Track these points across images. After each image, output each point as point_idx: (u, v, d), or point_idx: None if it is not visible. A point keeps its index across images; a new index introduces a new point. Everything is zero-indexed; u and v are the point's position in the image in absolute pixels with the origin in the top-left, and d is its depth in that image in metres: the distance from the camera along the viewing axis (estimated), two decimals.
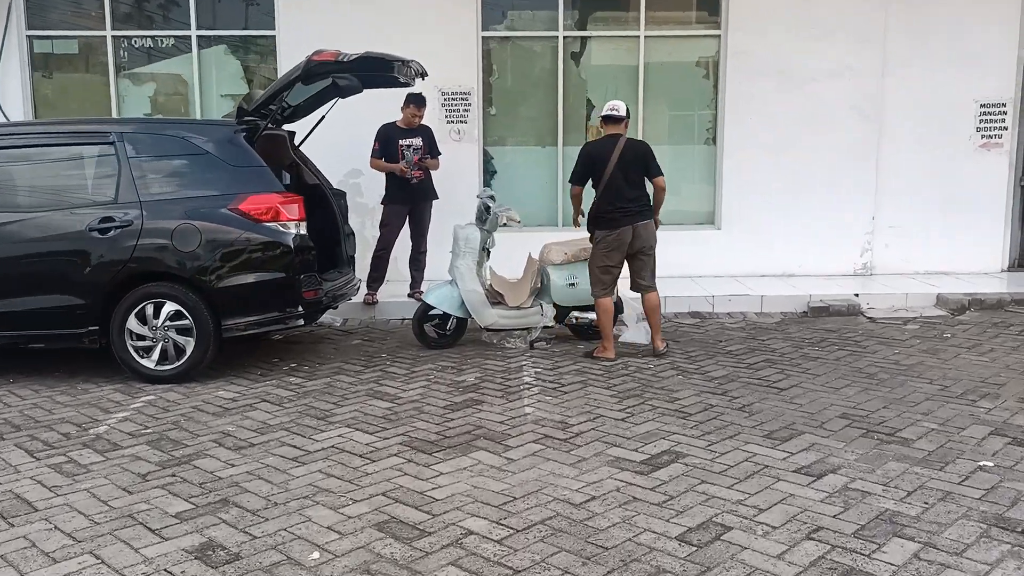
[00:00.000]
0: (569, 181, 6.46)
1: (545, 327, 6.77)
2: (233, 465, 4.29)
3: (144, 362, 5.84)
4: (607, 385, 5.61)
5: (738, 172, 9.05)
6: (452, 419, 4.94)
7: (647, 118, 9.07)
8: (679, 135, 9.30)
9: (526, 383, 5.70)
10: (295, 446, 4.55)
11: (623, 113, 6.28)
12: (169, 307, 5.79)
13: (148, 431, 4.84)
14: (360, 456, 4.38)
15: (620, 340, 6.81)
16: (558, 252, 6.77)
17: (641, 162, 6.20)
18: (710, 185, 9.29)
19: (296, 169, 7.01)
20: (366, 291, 8.04)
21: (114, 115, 8.86)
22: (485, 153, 9.16)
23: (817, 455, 4.30)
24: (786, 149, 8.99)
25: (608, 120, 6.30)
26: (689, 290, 8.38)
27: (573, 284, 6.73)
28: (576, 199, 6.42)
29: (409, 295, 8.09)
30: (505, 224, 6.58)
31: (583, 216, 6.41)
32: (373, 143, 7.86)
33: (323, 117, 7.20)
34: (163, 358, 5.84)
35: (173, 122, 6.35)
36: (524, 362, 6.28)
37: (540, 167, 9.24)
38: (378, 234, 8.02)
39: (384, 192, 8.00)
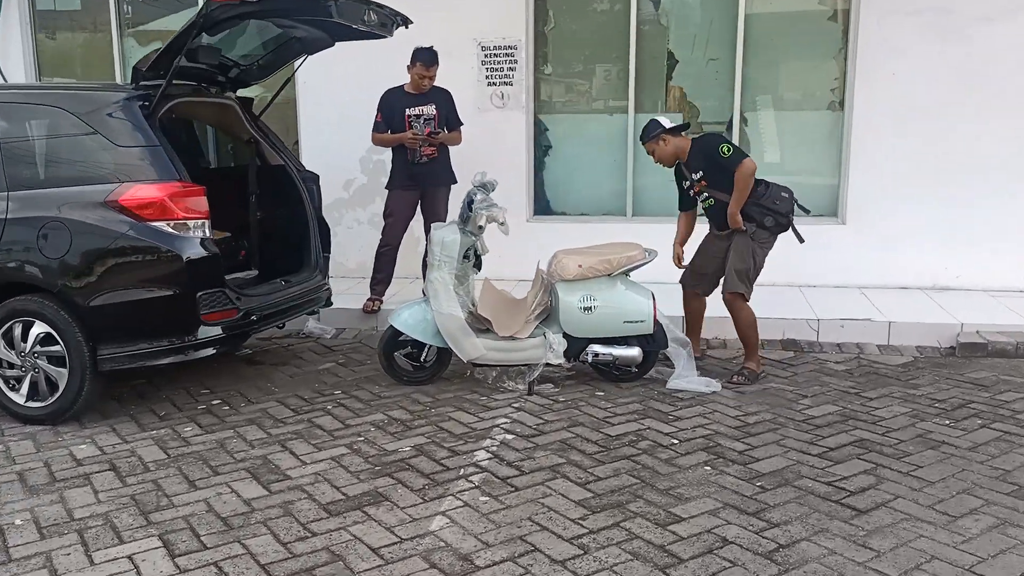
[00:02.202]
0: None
1: (549, 364, 4.94)
2: None
3: (13, 396, 4.59)
4: (587, 478, 3.75)
5: (872, 147, 6.73)
6: (307, 539, 3.27)
7: (748, 74, 6.89)
8: (792, 97, 7.02)
9: (475, 463, 3.94)
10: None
11: None
12: (38, 328, 4.48)
13: None
14: None
15: (668, 387, 4.92)
16: (571, 263, 4.91)
17: None
18: (833, 164, 6.99)
19: (256, 146, 5.53)
20: (369, 295, 6.51)
21: (117, 79, 7.74)
22: (537, 123, 7.31)
23: None
24: (940, 116, 6.57)
25: (680, 131, 5.11)
26: (790, 307, 6.23)
27: (589, 309, 4.87)
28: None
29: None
30: (481, 227, 4.78)
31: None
32: (376, 114, 6.25)
33: (289, 79, 5.66)
34: (35, 392, 4.56)
35: (52, 88, 5.01)
36: (502, 419, 4.51)
37: (606, 140, 7.26)
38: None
39: (388, 175, 6.41)
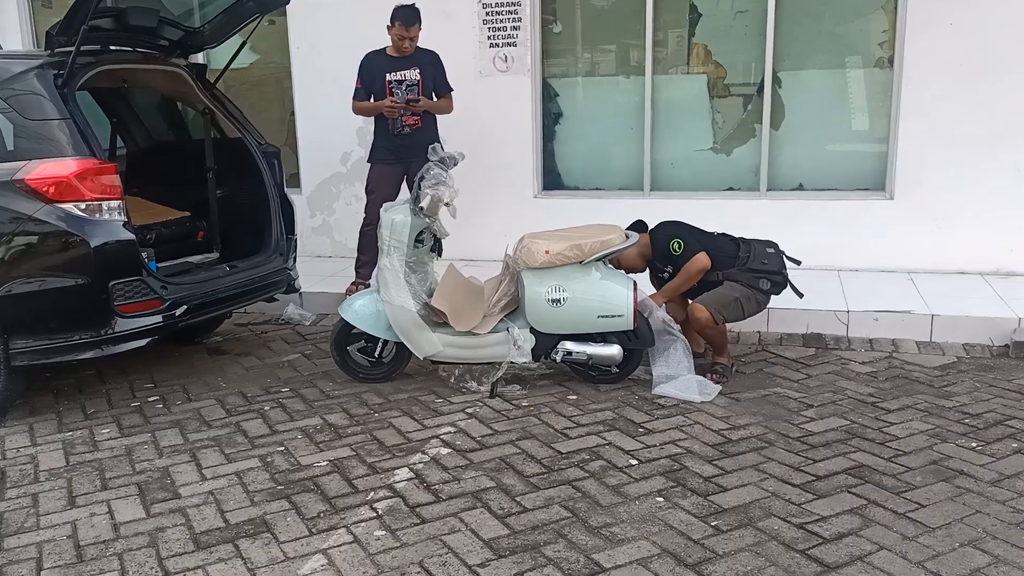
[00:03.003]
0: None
1: (512, 363, 4.35)
2: None
3: None
4: (511, 508, 3.17)
5: (926, 110, 5.83)
6: None
7: (782, 28, 6.06)
8: (832, 54, 6.12)
9: (390, 484, 3.40)
10: None
11: None
12: None
13: None
14: None
15: (655, 392, 4.28)
16: (537, 249, 4.29)
17: None
18: (880, 130, 6.11)
19: (211, 117, 5.08)
20: (354, 279, 6.02)
21: None
22: (545, 87, 6.64)
23: None
24: (1009, 72, 5.64)
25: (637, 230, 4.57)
26: (819, 296, 5.40)
27: (559, 301, 4.25)
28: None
29: None
30: (423, 208, 4.18)
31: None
32: (356, 80, 5.72)
33: (244, 43, 5.18)
34: None
35: None
36: (447, 428, 3.95)
37: (621, 106, 6.55)
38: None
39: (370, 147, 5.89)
